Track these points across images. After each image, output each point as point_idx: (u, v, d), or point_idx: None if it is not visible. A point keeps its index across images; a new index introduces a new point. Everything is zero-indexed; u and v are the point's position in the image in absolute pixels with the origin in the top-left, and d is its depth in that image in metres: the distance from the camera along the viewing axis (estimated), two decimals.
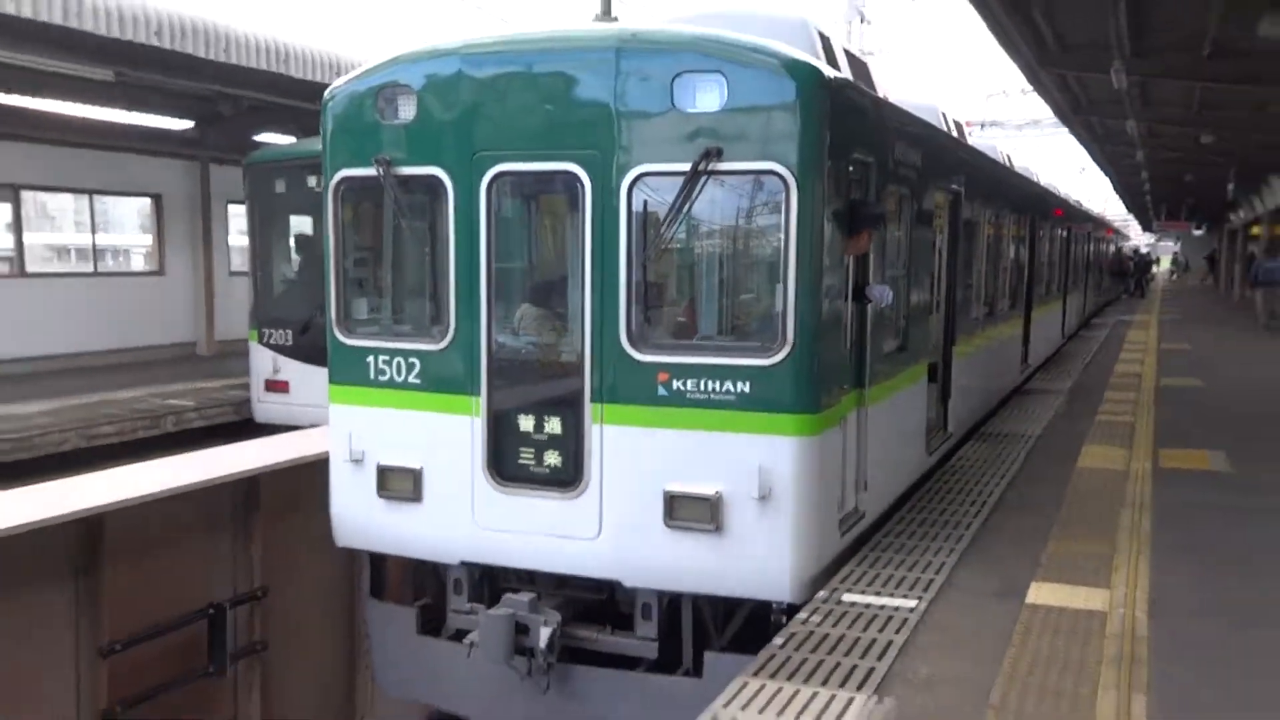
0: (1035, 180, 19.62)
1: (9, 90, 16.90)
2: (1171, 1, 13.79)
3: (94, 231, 21.10)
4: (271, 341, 14.67)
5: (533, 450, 6.80)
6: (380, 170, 6.99)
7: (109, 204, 21.64)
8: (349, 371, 7.30)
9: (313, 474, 8.45)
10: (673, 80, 6.30)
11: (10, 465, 11.95)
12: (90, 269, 20.99)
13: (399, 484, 7.09)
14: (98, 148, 19.30)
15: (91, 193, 20.31)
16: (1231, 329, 27.48)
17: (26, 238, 19.44)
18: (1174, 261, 76.95)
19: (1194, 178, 37.63)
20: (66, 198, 21.09)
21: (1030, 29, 15.60)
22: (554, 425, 6.76)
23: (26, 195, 19.23)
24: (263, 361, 14.79)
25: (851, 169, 6.91)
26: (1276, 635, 6.12)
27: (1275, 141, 25.53)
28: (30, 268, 19.55)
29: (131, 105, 18.80)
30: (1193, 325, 29.45)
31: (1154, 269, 69.58)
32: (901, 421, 8.56)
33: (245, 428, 14.32)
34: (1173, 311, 35.88)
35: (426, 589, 7.79)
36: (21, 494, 8.29)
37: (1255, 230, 41.56)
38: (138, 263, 22.52)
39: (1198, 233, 60.78)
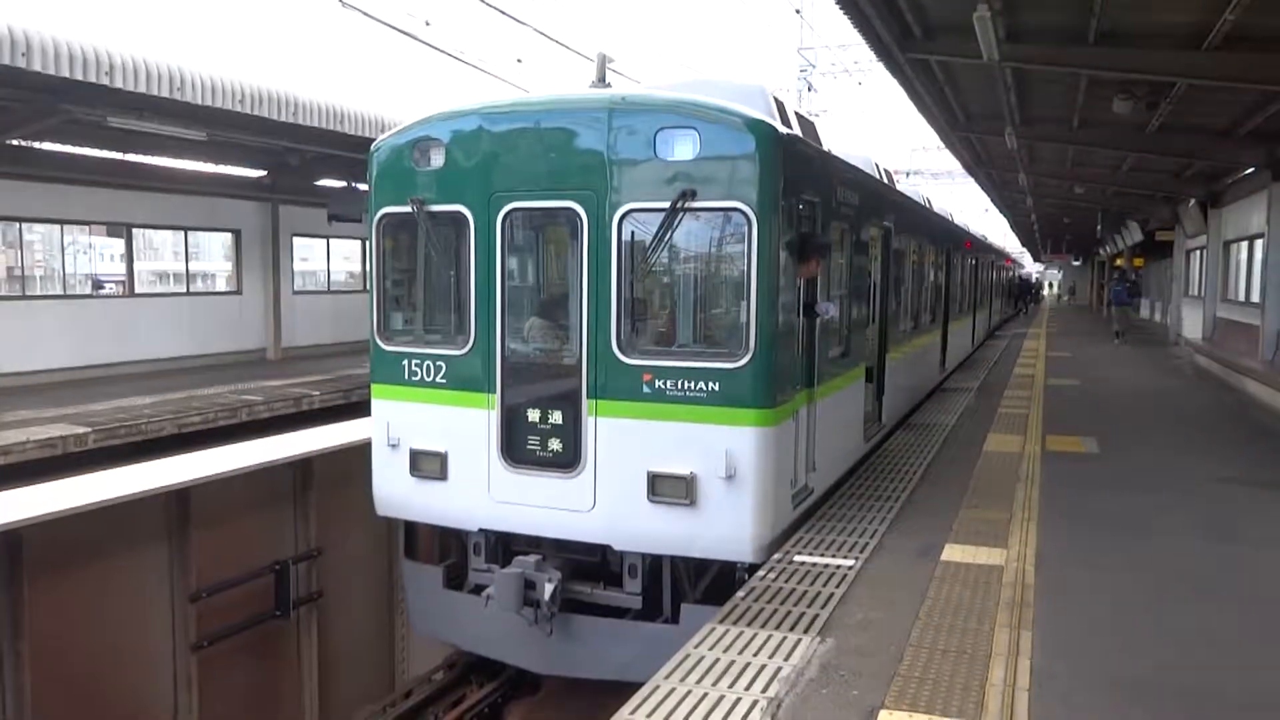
0: (950, 218, 19.53)
1: (125, 150, 16.86)
2: (1047, 86, 14.16)
3: (187, 260, 20.90)
4: None
5: (539, 438, 6.67)
6: (414, 208, 6.89)
7: (199, 237, 21.42)
8: (387, 372, 7.15)
9: (358, 456, 8.37)
10: (655, 134, 6.22)
11: (123, 446, 11.84)
12: (184, 290, 20.82)
13: (428, 465, 6.96)
14: (191, 193, 19.28)
15: (186, 229, 20.21)
16: (1102, 340, 27.67)
17: (136, 265, 19.35)
18: (1062, 286, 77.95)
19: (1070, 219, 38.03)
20: (167, 233, 20.88)
21: (944, 104, 15.85)
22: (556, 417, 6.63)
23: (136, 232, 19.13)
24: None
25: (802, 207, 6.80)
26: (1131, 578, 6.23)
27: (1128, 193, 25.88)
28: (138, 289, 19.40)
29: (217, 159, 18.78)
30: (1073, 337, 29.56)
31: (1042, 291, 72.93)
32: (844, 414, 8.44)
33: (301, 418, 14.19)
34: (1059, 326, 36.00)
35: (451, 551, 7.65)
36: (128, 470, 8.30)
37: (1119, 262, 42.00)
38: (220, 284, 22.22)
39: (1076, 263, 61.22)
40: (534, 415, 6.69)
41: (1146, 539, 7.10)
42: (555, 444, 6.62)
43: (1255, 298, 19.19)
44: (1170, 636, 5.23)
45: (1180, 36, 10.94)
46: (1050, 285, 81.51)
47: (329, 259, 23.99)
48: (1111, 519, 7.62)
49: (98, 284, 20.53)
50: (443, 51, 16.09)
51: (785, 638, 5.05)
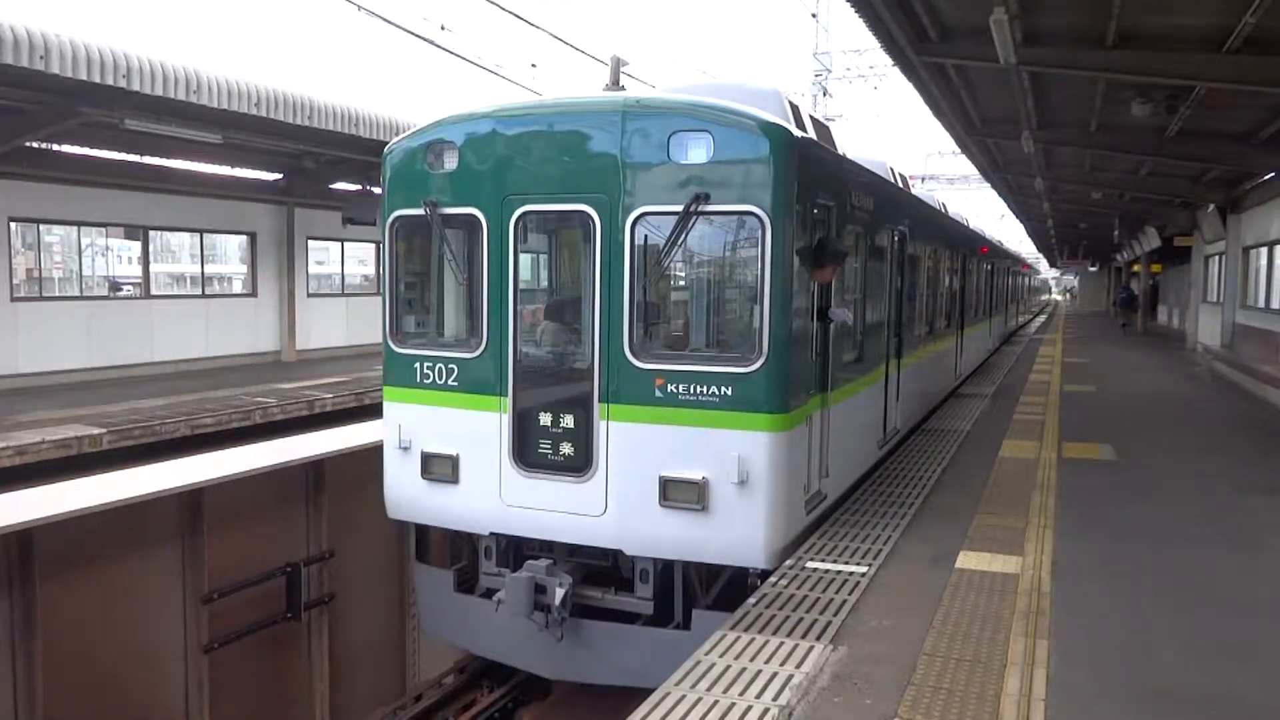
0: (965, 223, 19.39)
1: (142, 152, 16.95)
2: (1064, 90, 14.06)
3: (203, 262, 20.98)
4: None
5: (551, 442, 6.64)
6: (428, 210, 6.88)
7: (215, 240, 21.52)
8: (400, 375, 7.14)
9: (370, 459, 8.36)
10: (669, 138, 6.19)
11: (136, 447, 11.87)
12: (200, 292, 20.91)
13: (440, 468, 6.95)
14: (207, 195, 19.34)
15: (202, 231, 20.26)
16: (1117, 345, 27.50)
17: (152, 268, 19.41)
18: (1078, 291, 78.94)
19: (1087, 225, 37.83)
20: (184, 235, 20.97)
21: (960, 108, 15.77)
22: (568, 421, 6.60)
23: (153, 234, 19.20)
24: None
25: (816, 211, 6.75)
26: (1150, 587, 6.16)
27: (1145, 198, 25.72)
28: (155, 291, 19.47)
29: (234, 161, 18.86)
30: (1089, 342, 29.44)
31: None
32: (858, 419, 8.38)
33: (314, 420, 14.17)
34: (1075, 331, 35.81)
35: (462, 554, 7.63)
36: (141, 471, 8.30)
37: (1135, 268, 42.03)
38: (236, 287, 22.32)
39: (1092, 269, 60.75)
40: (546, 419, 6.66)
41: (1165, 547, 7.01)
42: (567, 448, 6.59)
43: (1275, 304, 18.99)
44: (1190, 647, 5.15)
45: (1200, 39, 10.85)
46: (1067, 291, 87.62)
47: (344, 262, 24.06)
48: (1130, 527, 7.54)
49: (115, 286, 20.63)
50: (457, 55, 16.13)
51: (797, 645, 4.99)
